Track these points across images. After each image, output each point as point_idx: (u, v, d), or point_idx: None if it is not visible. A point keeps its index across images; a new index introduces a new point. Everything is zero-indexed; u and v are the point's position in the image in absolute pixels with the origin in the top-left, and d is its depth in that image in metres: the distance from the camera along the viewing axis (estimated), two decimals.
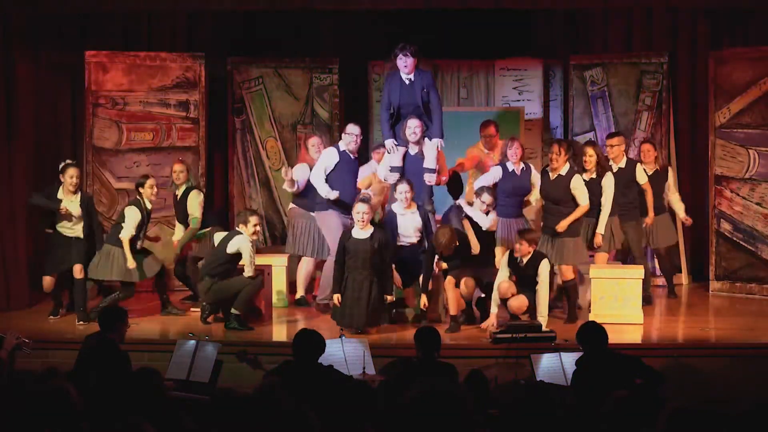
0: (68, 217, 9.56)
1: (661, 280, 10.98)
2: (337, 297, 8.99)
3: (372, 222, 9.10)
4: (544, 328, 8.50)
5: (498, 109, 11.66)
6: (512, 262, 8.99)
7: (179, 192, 10.32)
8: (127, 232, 9.47)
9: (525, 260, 8.92)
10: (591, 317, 8.86)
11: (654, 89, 11.42)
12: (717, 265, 11.03)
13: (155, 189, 9.80)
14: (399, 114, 9.65)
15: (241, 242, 9.22)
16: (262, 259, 9.79)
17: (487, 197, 9.24)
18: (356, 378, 7.01)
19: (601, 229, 9.69)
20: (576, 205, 9.51)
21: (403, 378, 6.47)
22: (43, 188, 9.90)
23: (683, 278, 11.46)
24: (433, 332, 6.92)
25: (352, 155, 9.89)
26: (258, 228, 9.37)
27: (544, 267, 8.88)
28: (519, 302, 8.87)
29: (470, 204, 9.45)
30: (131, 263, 9.40)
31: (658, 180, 10.38)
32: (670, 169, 10.70)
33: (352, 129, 9.91)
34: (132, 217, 9.53)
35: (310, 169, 10.06)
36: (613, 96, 11.55)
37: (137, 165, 11.25)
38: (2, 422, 4.45)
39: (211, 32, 11.86)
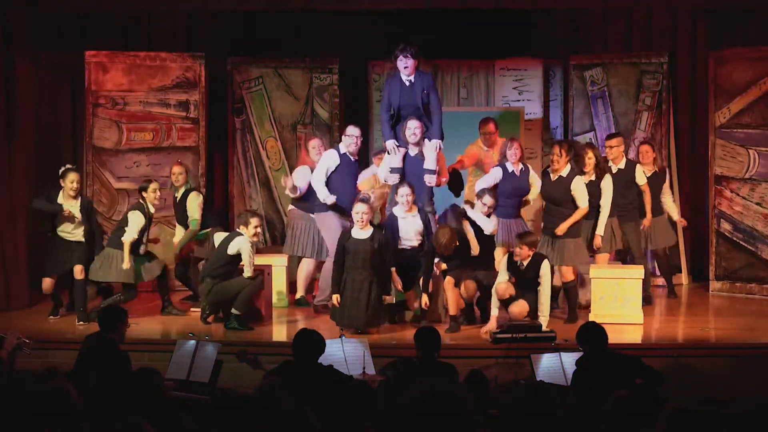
0: (71, 219, 9.57)
1: (661, 280, 10.97)
2: (336, 297, 8.98)
3: (371, 223, 9.10)
4: (544, 328, 8.51)
5: (498, 109, 11.64)
6: (512, 266, 8.91)
7: (178, 194, 10.33)
8: (129, 236, 9.51)
9: (525, 263, 8.87)
10: (591, 317, 8.86)
11: (654, 89, 11.41)
12: (717, 265, 11.03)
13: (158, 193, 9.82)
14: (399, 115, 9.63)
15: (241, 243, 9.23)
16: (262, 260, 9.79)
17: (488, 199, 9.22)
18: (356, 378, 7.00)
19: (600, 230, 9.68)
20: (576, 206, 9.50)
21: (403, 378, 6.47)
22: (43, 190, 9.90)
23: (683, 278, 11.46)
24: (433, 332, 6.93)
25: (352, 157, 9.89)
26: (259, 230, 9.39)
27: (545, 268, 8.83)
28: (520, 308, 8.79)
29: (470, 204, 9.44)
30: (126, 264, 9.44)
31: (656, 181, 10.37)
32: (667, 170, 10.70)
33: (352, 131, 9.91)
34: (135, 221, 9.56)
35: (311, 171, 10.06)
36: (613, 96, 11.54)
37: (137, 165, 11.26)
38: (2, 422, 4.44)
39: (211, 32, 11.87)
